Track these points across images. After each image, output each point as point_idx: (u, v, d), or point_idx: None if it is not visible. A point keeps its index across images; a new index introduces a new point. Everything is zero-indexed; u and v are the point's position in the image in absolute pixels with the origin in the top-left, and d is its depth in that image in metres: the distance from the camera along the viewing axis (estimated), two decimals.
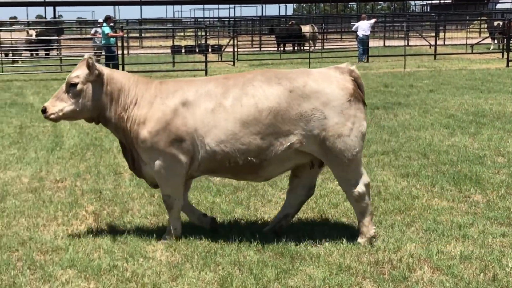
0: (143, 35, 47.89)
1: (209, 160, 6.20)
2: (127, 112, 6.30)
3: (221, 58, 32.66)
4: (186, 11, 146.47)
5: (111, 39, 25.31)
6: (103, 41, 25.80)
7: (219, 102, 6.12)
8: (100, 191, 8.22)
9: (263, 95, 6.08)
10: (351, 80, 6.26)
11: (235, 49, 30.80)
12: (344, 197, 7.73)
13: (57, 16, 65.74)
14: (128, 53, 32.59)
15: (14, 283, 5.45)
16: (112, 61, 25.25)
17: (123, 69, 24.97)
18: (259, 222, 6.98)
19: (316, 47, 38.17)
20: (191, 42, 41.63)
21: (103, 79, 6.32)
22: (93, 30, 27.85)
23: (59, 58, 30.74)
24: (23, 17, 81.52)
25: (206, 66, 25.59)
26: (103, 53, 26.89)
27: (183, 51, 35.89)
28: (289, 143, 6.10)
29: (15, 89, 21.12)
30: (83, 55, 20.33)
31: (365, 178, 6.27)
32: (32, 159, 10.17)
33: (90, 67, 6.26)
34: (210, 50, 33.99)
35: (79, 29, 58.68)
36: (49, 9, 64.51)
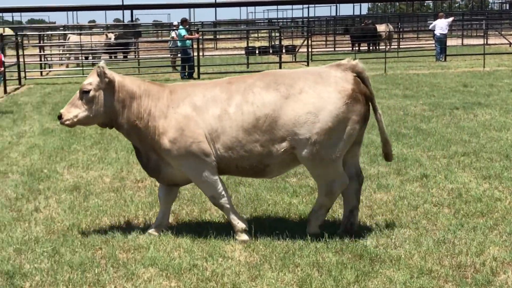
0: (217, 36, 48.35)
1: (219, 163, 6.41)
2: (142, 121, 6.50)
3: (295, 59, 32.65)
4: (260, 12, 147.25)
5: (187, 41, 25.65)
6: (179, 44, 26.17)
7: (224, 109, 6.30)
8: (179, 191, 8.33)
9: (261, 103, 6.22)
10: (353, 77, 6.29)
11: (309, 50, 30.74)
12: (424, 199, 7.63)
13: (134, 19, 67.08)
14: (203, 55, 32.95)
15: (98, 280, 5.59)
16: (188, 63, 25.60)
17: (198, 71, 25.34)
18: (337, 223, 6.93)
19: (392, 47, 37.65)
20: (265, 43, 41.75)
21: (115, 86, 6.52)
22: (173, 33, 28.24)
23: (136, 61, 31.39)
24: (102, 20, 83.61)
25: (280, 66, 25.65)
26: (179, 55, 27.28)
27: (257, 52, 36.04)
28: (283, 149, 6.25)
29: None
30: (159, 58, 20.70)
31: (344, 179, 6.38)
32: (113, 159, 10.42)
33: (99, 75, 6.47)
34: (284, 50, 34.04)
35: (155, 31, 59.75)
36: (127, 13, 65.95)
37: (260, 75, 6.59)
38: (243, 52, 35.80)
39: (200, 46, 27.99)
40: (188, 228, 6.84)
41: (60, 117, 6.60)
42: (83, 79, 25.03)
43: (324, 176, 6.35)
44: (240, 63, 29.61)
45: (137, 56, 33.05)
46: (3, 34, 25.74)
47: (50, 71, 29.55)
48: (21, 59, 24.99)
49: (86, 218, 7.33)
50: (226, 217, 6.70)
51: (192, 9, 70.37)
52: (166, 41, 36.18)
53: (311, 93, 6.20)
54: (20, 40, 26.84)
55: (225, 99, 6.34)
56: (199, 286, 5.44)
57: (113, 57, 35.83)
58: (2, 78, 18.10)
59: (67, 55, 32.88)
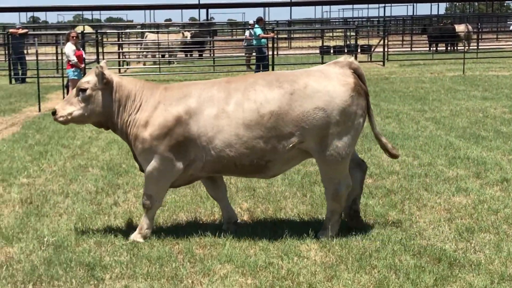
0: (292, 35, 48.32)
1: (215, 162, 6.35)
2: (130, 117, 6.48)
3: (371, 59, 32.32)
4: (335, 11, 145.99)
5: (262, 40, 25.74)
6: (254, 42, 26.29)
7: (222, 108, 6.24)
8: (253, 189, 8.37)
9: (264, 100, 6.20)
10: (351, 73, 6.36)
11: (385, 49, 30.35)
12: (504, 204, 7.43)
13: (209, 18, 67.78)
14: (277, 54, 32.99)
15: (176, 275, 5.67)
16: (263, 61, 25.67)
17: (272, 70, 25.36)
18: (415, 227, 6.82)
19: (471, 47, 36.78)
20: (339, 43, 41.47)
21: (113, 87, 6.50)
22: (247, 32, 28.41)
23: (212, 59, 31.71)
24: (178, 19, 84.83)
25: None
26: (254, 54, 27.39)
27: (331, 51, 35.82)
28: (291, 144, 6.25)
29: None
30: (234, 56, 20.84)
31: (348, 181, 6.42)
32: None
33: (98, 75, 6.46)
34: (359, 50, 33.72)
35: (230, 30, 60.21)
36: (202, 12, 66.72)
37: (261, 74, 6.64)
38: (317, 51, 35.65)
39: (275, 45, 28.01)
40: (263, 226, 6.86)
41: (54, 113, 6.58)
42: (160, 77, 25.53)
43: (332, 176, 6.36)
44: (314, 62, 29.48)
45: (212, 55, 33.36)
46: (84, 32, 26.43)
47: (127, 68, 30.17)
48: (100, 57, 25.62)
49: (163, 213, 7.45)
50: (142, 218, 6.64)
51: (267, 8, 70.57)
52: (241, 40, 36.38)
53: (317, 87, 6.21)
54: (100, 38, 27.49)
55: (222, 98, 6.29)
56: (275, 284, 5.45)
57: (188, 56, 36.31)
58: (82, 75, 18.58)
59: (144, 53, 33.48)
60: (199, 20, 64.84)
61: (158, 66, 29.23)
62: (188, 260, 6.00)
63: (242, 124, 6.19)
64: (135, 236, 6.55)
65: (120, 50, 31.70)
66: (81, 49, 17.07)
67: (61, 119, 6.56)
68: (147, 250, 6.22)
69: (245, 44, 29.35)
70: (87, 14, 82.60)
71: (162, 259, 5.99)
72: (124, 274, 5.70)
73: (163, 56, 32.69)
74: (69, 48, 16.40)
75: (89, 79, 6.52)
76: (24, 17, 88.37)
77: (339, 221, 6.54)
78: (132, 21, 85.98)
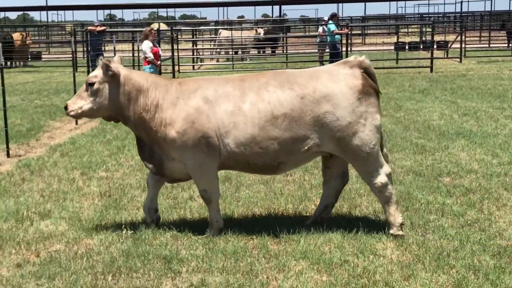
0: (366, 32, 47.83)
1: (229, 158, 6.40)
2: (148, 113, 6.46)
3: (447, 55, 31.66)
4: (410, 7, 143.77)
5: (336, 36, 25.56)
6: (328, 38, 26.14)
7: (237, 105, 6.29)
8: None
9: (278, 101, 6.26)
10: (361, 73, 6.39)
11: (463, 45, 29.68)
12: None
13: (282, 14, 67.77)
14: (351, 50, 32.70)
15: (251, 269, 5.70)
16: (337, 58, 25.47)
17: None
18: (494, 227, 6.65)
19: None
20: (415, 39, 40.81)
21: (120, 80, 6.48)
22: (320, 29, 28.28)
23: (284, 56, 31.71)
24: (251, 16, 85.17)
25: (431, 63, 24.92)
26: (327, 50, 27.24)
27: (406, 47, 35.27)
28: (306, 147, 6.33)
29: None
30: (307, 53, 20.81)
31: (386, 168, 6.44)
32: None
33: (102, 68, 6.46)
34: (435, 46, 33.09)
35: (302, 27, 60.05)
36: (275, 8, 66.74)
37: (272, 74, 6.58)
38: (392, 47, 35.17)
39: (349, 41, 27.75)
40: (338, 224, 6.81)
41: (66, 107, 6.63)
42: (232, 73, 25.69)
43: (367, 170, 6.40)
44: (389, 59, 29.11)
45: (285, 51, 33.37)
46: (159, 29, 26.85)
47: (201, 65, 30.52)
48: (175, 53, 25.99)
49: (238, 209, 7.50)
50: (208, 211, 6.72)
51: (340, 4, 70.02)
52: (314, 36, 36.22)
53: (325, 91, 6.27)
54: (175, 35, 27.90)
55: (238, 95, 6.33)
56: (350, 282, 5.41)
57: (261, 52, 36.43)
58: (158, 71, 18.88)
59: (218, 50, 33.79)
60: (271, 17, 64.91)
61: (231, 62, 29.41)
62: (263, 255, 6.02)
63: (257, 125, 6.25)
64: (211, 232, 6.62)
65: (194, 47, 32.08)
66: (157, 46, 17.33)
67: (72, 113, 6.63)
68: (222, 245, 6.27)
69: (319, 40, 29.20)
70: (162, 12, 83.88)
71: (237, 254, 6.03)
72: (200, 268, 5.77)
73: (236, 52, 32.91)
74: (146, 45, 16.68)
75: (97, 73, 6.54)
76: (101, 14, 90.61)
77: (398, 207, 6.49)
78: (205, 18, 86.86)
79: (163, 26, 40.56)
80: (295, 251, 6.07)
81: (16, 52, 32.81)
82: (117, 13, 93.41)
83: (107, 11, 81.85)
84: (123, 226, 6.78)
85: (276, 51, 36.39)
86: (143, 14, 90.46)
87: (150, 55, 16.64)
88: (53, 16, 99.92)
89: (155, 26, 35.18)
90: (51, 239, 6.60)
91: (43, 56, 39.41)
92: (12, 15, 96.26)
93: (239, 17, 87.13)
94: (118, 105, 6.55)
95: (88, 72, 25.36)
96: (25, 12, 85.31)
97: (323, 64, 27.33)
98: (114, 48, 18.56)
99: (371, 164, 6.37)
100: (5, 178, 9.23)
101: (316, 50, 30.57)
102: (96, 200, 8.04)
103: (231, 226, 6.75)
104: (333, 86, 6.30)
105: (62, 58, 36.18)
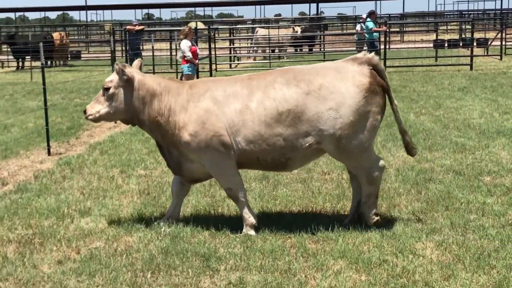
0: (404, 29, 47.39)
1: (241, 156, 6.50)
2: (163, 117, 6.61)
3: (487, 52, 31.19)
4: (449, 4, 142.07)
5: (374, 34, 25.39)
6: (366, 36, 25.97)
7: (245, 104, 6.39)
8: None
9: (283, 98, 6.32)
10: (369, 71, 6.38)
11: (503, 43, 29.20)
12: None
13: (319, 12, 67.54)
14: (389, 48, 32.44)
15: (289, 268, 5.69)
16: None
17: (384, 64, 24.97)
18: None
19: None
20: (454, 36, 40.28)
21: (134, 84, 6.63)
22: (358, 26, 28.11)
23: (322, 54, 31.59)
24: (288, 14, 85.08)
25: (471, 60, 24.57)
26: (365, 48, 27.06)
27: (446, 45, 34.85)
28: (308, 144, 6.38)
29: None
30: (345, 51, 20.75)
31: (381, 162, 6.56)
32: None
33: (118, 73, 6.63)
34: (475, 43, 32.61)
35: (339, 24, 59.76)
36: (312, 6, 66.52)
37: (280, 72, 6.66)
38: (431, 45, 34.79)
39: (387, 39, 27.52)
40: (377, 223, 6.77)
41: (85, 112, 6.84)
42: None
43: (360, 166, 6.49)
44: (428, 57, 28.78)
45: (322, 49, 33.23)
46: (197, 28, 26.96)
47: (238, 63, 30.57)
48: (212, 52, 26.08)
49: (275, 207, 7.50)
50: (238, 209, 6.80)
51: (378, 1, 69.54)
52: (351, 34, 36.02)
53: (331, 89, 6.30)
54: (212, 34, 27.99)
55: (246, 94, 6.43)
56: (390, 282, 5.36)
57: (298, 50, 36.34)
58: (196, 70, 18.98)
59: (255, 48, 33.80)
60: (309, 15, 64.73)
61: (268, 61, 29.40)
62: (300, 254, 6.01)
63: (264, 122, 6.33)
64: (246, 229, 6.65)
65: (232, 46, 32.15)
66: (195, 45, 17.41)
67: (90, 117, 6.82)
68: (260, 243, 6.28)
69: (356, 38, 29.02)
70: (199, 11, 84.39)
71: (275, 253, 6.03)
72: (238, 266, 5.78)
73: (273, 51, 32.86)
74: (185, 44, 16.78)
75: (112, 78, 6.72)
76: (139, 14, 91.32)
77: (376, 203, 6.65)
78: (242, 16, 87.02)
79: (201, 25, 40.73)
80: (333, 250, 6.04)
81: (56, 51, 33.25)
82: (155, 12, 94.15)
83: (145, 11, 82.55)
84: (162, 223, 6.83)
85: (313, 49, 36.25)
86: (181, 13, 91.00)
87: (189, 54, 16.73)
88: (92, 15, 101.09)
89: (192, 25, 35.38)
90: (91, 236, 6.68)
91: (82, 55, 39.89)
92: (52, 15, 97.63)
93: (276, 15, 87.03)
94: (133, 109, 6.71)
95: None
96: (65, 12, 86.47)
97: None
98: (153, 47, 18.66)
99: (364, 160, 6.47)
100: (46, 176, 9.37)
101: (354, 48, 30.45)
102: (135, 198, 8.12)
103: (268, 224, 6.74)
104: (340, 84, 6.33)
105: (101, 57, 36.59)
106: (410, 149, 6.85)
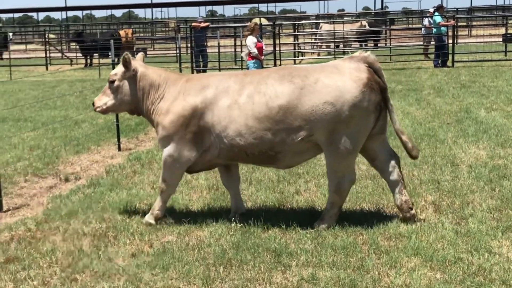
0: (471, 23, 46.39)
1: (228, 150, 6.59)
2: (153, 105, 6.87)
3: None
4: None
5: (442, 28, 24.93)
6: (434, 30, 25.52)
7: (235, 99, 6.47)
8: (438, 182, 8.13)
9: (274, 93, 6.35)
10: (366, 68, 6.39)
11: None
12: None
13: (383, 7, 66.73)
14: (457, 42, 31.82)
15: (362, 265, 5.64)
16: (442, 50, 24.86)
17: (453, 59, 24.51)
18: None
19: None
20: None
21: (137, 76, 6.90)
22: (425, 21, 27.64)
23: (387, 49, 31.21)
24: (351, 9, 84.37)
25: None
26: (432, 42, 26.60)
27: None
28: (300, 138, 6.38)
29: None
30: (411, 45, 20.38)
31: (353, 176, 6.56)
32: None
33: (125, 64, 6.87)
34: None
35: (405, 19, 58.91)
36: (377, 1, 65.79)
37: (276, 69, 6.84)
38: (500, 39, 33.94)
39: (455, 33, 26.96)
40: (450, 221, 6.66)
41: (93, 104, 7.16)
42: None
43: (337, 169, 6.46)
44: (497, 51, 28.11)
45: (389, 44, 32.82)
46: (261, 24, 27.02)
47: (302, 59, 30.49)
48: (277, 48, 26.08)
49: (345, 204, 7.41)
50: (156, 200, 7.05)
51: None
52: (417, 29, 35.47)
53: (327, 83, 6.30)
54: (277, 30, 28.01)
55: (237, 90, 6.52)
56: (465, 280, 5.25)
57: (363, 45, 36.01)
58: (261, 66, 19.02)
59: (319, 44, 33.66)
60: (373, 10, 64.01)
61: (333, 56, 29.21)
62: (373, 251, 5.94)
63: (251, 116, 6.40)
64: (147, 217, 6.93)
65: (296, 41, 32.10)
66: (261, 41, 17.43)
67: (98, 109, 7.14)
68: (331, 240, 6.24)
69: (424, 32, 28.54)
70: (262, 7, 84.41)
71: (347, 249, 5.98)
72: (310, 262, 5.76)
73: (337, 46, 32.64)
74: (251, 40, 16.81)
75: (116, 71, 7.00)
76: (203, 10, 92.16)
77: (337, 214, 6.64)
78: (305, 12, 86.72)
79: (264, 21, 40.78)
80: (406, 247, 5.95)
81: (123, 48, 33.86)
82: (218, 9, 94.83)
83: (208, 7, 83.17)
84: (234, 218, 6.86)
85: (379, 44, 35.85)
86: (244, 9, 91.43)
87: (255, 50, 16.75)
88: (156, 13, 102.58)
89: (256, 21, 35.46)
90: (163, 231, 6.76)
91: (148, 52, 40.49)
92: (117, 13, 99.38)
93: (339, 10, 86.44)
94: (136, 100, 6.99)
95: (192, 68, 25.93)
96: (130, 9, 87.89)
97: (428, 57, 26.72)
98: (218, 43, 18.78)
99: (344, 165, 6.46)
100: (117, 171, 9.55)
101: (421, 43, 29.96)
102: (204, 193, 8.19)
103: (339, 221, 6.70)
104: (337, 77, 6.34)
105: (167, 54, 37.06)
106: (409, 150, 6.74)
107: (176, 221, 6.99)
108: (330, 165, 6.55)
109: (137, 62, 7.07)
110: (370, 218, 6.80)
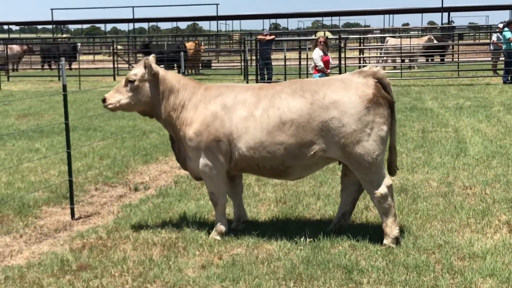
0: None
1: (241, 161, 6.72)
2: (176, 112, 6.96)
3: None
4: None
5: None
6: (504, 46, 24.98)
7: (251, 111, 6.61)
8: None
9: (287, 108, 6.49)
10: (374, 83, 6.47)
11: None
12: None
13: (449, 21, 65.78)
14: None
15: (435, 285, 5.52)
16: None
17: None
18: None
19: None
20: None
21: (158, 79, 6.97)
22: (494, 36, 27.09)
23: (454, 64, 30.69)
24: (416, 23, 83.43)
25: None
26: (501, 58, 26.04)
27: None
28: (312, 152, 6.49)
29: (413, 94, 21.66)
30: (479, 61, 20.03)
31: (387, 180, 6.48)
32: (438, 163, 10.27)
33: (146, 67, 6.95)
34: None
35: (472, 34, 57.92)
36: (442, 15, 64.85)
37: (288, 83, 6.85)
38: None
39: None
40: None
41: (104, 100, 7.10)
42: (400, 81, 25.14)
43: (369, 180, 6.46)
44: None
45: (456, 59, 32.28)
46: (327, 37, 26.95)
47: None
48: (342, 62, 25.97)
49: (416, 221, 7.31)
50: (214, 214, 7.07)
51: None
52: (486, 44, 34.78)
53: (334, 98, 6.40)
54: (342, 43, 27.91)
55: (253, 102, 6.65)
56: None
57: (429, 60, 35.54)
58: None
59: (384, 58, 33.38)
60: (440, 24, 63.14)
61: (399, 71, 28.91)
62: (446, 271, 5.81)
63: (265, 129, 6.53)
64: (213, 234, 6.94)
65: (361, 55, 31.91)
66: (327, 54, 17.38)
67: (110, 106, 7.11)
68: (403, 258, 6.13)
69: (492, 48, 27.98)
70: (326, 20, 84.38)
71: (419, 268, 5.87)
72: (382, 280, 5.67)
73: (403, 61, 32.31)
74: (317, 54, 16.80)
75: (136, 72, 7.03)
76: (267, 23, 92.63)
77: (396, 222, 6.54)
78: (369, 26, 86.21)
79: (329, 35, 40.70)
80: (481, 268, 5.80)
81: (189, 60, 34.29)
82: (282, 22, 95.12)
83: (272, 20, 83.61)
84: (303, 233, 6.83)
85: (445, 59, 35.31)
86: (307, 23, 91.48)
87: (321, 64, 16.73)
88: (221, 25, 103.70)
89: (321, 34, 35.40)
90: (232, 243, 6.77)
91: (212, 64, 40.89)
92: (182, 25, 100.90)
93: (404, 24, 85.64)
94: (153, 102, 7.05)
95: (257, 80, 26.04)
96: (195, 22, 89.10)
97: (497, 73, 26.17)
98: (285, 56, 18.85)
99: (373, 173, 6.44)
100: (185, 181, 9.64)
101: (489, 58, 29.38)
102: (272, 206, 8.18)
103: (410, 239, 6.59)
104: (343, 93, 6.43)
105: (231, 67, 37.34)
106: (392, 168, 6.83)
107: (245, 234, 6.99)
108: (361, 178, 6.56)
109: (157, 66, 7.17)
110: (442, 237, 6.67)
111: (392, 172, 6.85)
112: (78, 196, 8.84)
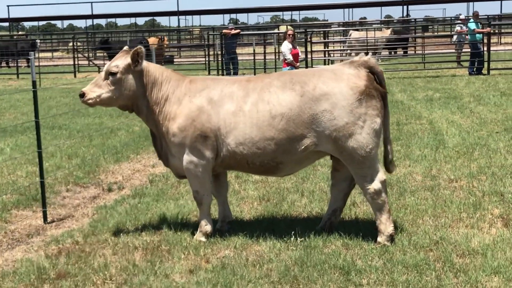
0: (501, 30, 45.77)
1: (229, 158, 6.38)
2: (158, 106, 6.56)
3: None
4: None
5: (477, 35, 24.45)
6: (469, 37, 25.04)
7: (239, 106, 6.28)
8: (501, 194, 7.73)
9: (277, 101, 6.20)
10: (366, 74, 6.21)
11: None
12: None
13: (407, 15, 66.13)
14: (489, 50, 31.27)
15: (440, 285, 5.27)
16: (478, 57, 24.37)
17: (488, 66, 24.04)
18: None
19: None
20: None
21: (142, 71, 6.54)
22: (457, 27, 27.15)
23: (418, 56, 30.74)
24: (372, 17, 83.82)
25: None
26: (465, 50, 26.12)
27: None
28: (303, 146, 6.21)
29: None
30: (442, 53, 19.91)
31: (381, 175, 6.22)
32: (419, 156, 10.07)
33: (132, 58, 6.47)
34: None
35: (431, 27, 58.34)
36: (400, 8, 65.24)
37: (277, 75, 6.58)
38: None
39: (491, 41, 26.42)
40: None
41: (82, 95, 6.57)
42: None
43: (362, 174, 6.19)
44: None
45: (420, 51, 32.35)
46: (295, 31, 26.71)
47: None
48: (309, 56, 25.75)
49: (407, 217, 7.07)
50: (197, 214, 6.80)
51: (471, 3, 67.41)
52: (448, 36, 34.93)
53: (325, 90, 6.13)
54: (308, 37, 27.70)
55: (241, 96, 6.33)
56: None
57: (392, 53, 35.57)
58: None
59: (348, 51, 33.27)
60: (401, 17, 63.43)
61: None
62: (448, 269, 5.56)
63: (255, 125, 6.21)
64: (198, 235, 6.58)
65: (326, 49, 31.77)
66: (297, 47, 17.11)
67: (90, 101, 6.60)
68: (401, 256, 5.87)
69: (455, 39, 28.05)
70: (286, 15, 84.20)
71: (419, 267, 5.61)
72: (382, 281, 5.40)
73: (366, 53, 32.15)
74: (286, 47, 16.53)
75: (118, 63, 6.56)
76: (227, 18, 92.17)
77: (390, 219, 6.26)
78: (327, 20, 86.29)
79: (291, 29, 40.43)
80: (484, 265, 5.56)
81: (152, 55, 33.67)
82: (242, 17, 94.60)
83: (232, 15, 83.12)
84: (292, 232, 6.51)
85: (408, 52, 35.41)
86: (266, 17, 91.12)
87: (289, 57, 16.45)
88: (181, 21, 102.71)
89: (283, 28, 35.14)
90: (218, 245, 6.43)
91: (175, 60, 40.33)
92: (139, 21, 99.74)
93: (361, 18, 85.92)
94: (135, 96, 6.63)
95: (223, 74, 25.63)
96: (153, 17, 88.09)
97: (461, 65, 26.26)
98: (254, 50, 18.57)
99: (366, 168, 6.18)
100: (161, 180, 9.25)
101: (452, 50, 29.48)
102: (256, 204, 7.86)
103: (404, 235, 6.34)
104: (334, 85, 6.17)
105: (193, 62, 36.88)
106: (387, 163, 6.59)
107: (231, 234, 6.65)
108: (354, 173, 6.29)
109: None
110: (437, 233, 6.43)
111: (389, 167, 6.59)
112: (49, 198, 8.37)
